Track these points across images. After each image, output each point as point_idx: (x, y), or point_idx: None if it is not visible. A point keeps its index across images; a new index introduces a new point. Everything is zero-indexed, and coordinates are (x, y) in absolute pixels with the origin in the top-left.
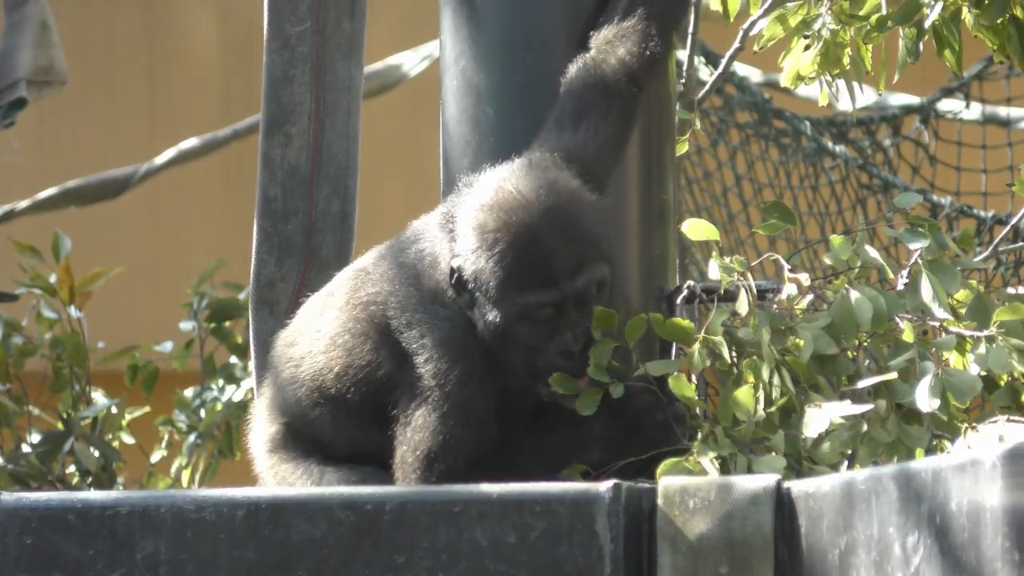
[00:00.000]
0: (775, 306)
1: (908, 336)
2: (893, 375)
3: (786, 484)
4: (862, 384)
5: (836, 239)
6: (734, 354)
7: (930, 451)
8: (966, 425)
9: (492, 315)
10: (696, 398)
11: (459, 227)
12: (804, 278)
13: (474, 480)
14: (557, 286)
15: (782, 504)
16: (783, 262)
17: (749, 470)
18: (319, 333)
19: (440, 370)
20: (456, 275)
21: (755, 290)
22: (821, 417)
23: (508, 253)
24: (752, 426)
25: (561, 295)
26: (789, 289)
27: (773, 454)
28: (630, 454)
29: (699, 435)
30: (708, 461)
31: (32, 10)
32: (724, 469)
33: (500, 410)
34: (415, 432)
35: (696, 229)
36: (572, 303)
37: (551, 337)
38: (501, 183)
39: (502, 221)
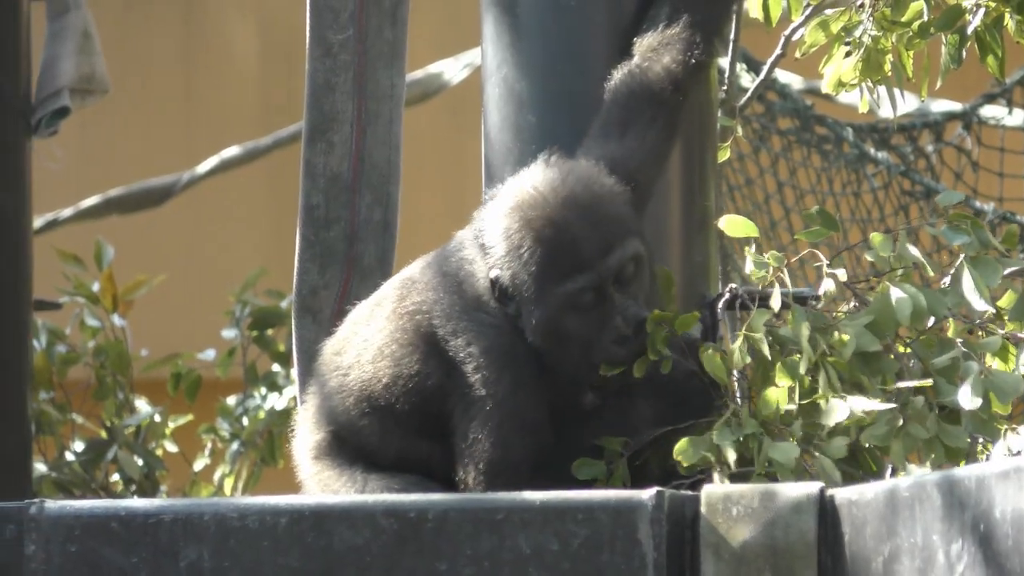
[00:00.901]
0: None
1: (952, 332)
2: (929, 381)
3: (829, 491)
4: (901, 384)
5: (876, 236)
6: (776, 350)
7: (970, 453)
8: (1005, 428)
9: (538, 315)
10: (725, 371)
11: (487, 238)
12: (841, 273)
13: (539, 485)
14: (592, 268)
15: (825, 511)
16: (820, 256)
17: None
18: (367, 343)
19: (489, 379)
20: (497, 286)
21: (790, 285)
22: (841, 408)
23: (536, 249)
24: (782, 415)
25: (598, 276)
26: (827, 285)
27: (792, 441)
28: (675, 425)
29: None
30: (727, 443)
31: (74, 19)
32: (744, 451)
33: (552, 412)
34: (475, 444)
35: (734, 225)
36: (612, 284)
37: (602, 326)
38: (518, 186)
39: (524, 220)
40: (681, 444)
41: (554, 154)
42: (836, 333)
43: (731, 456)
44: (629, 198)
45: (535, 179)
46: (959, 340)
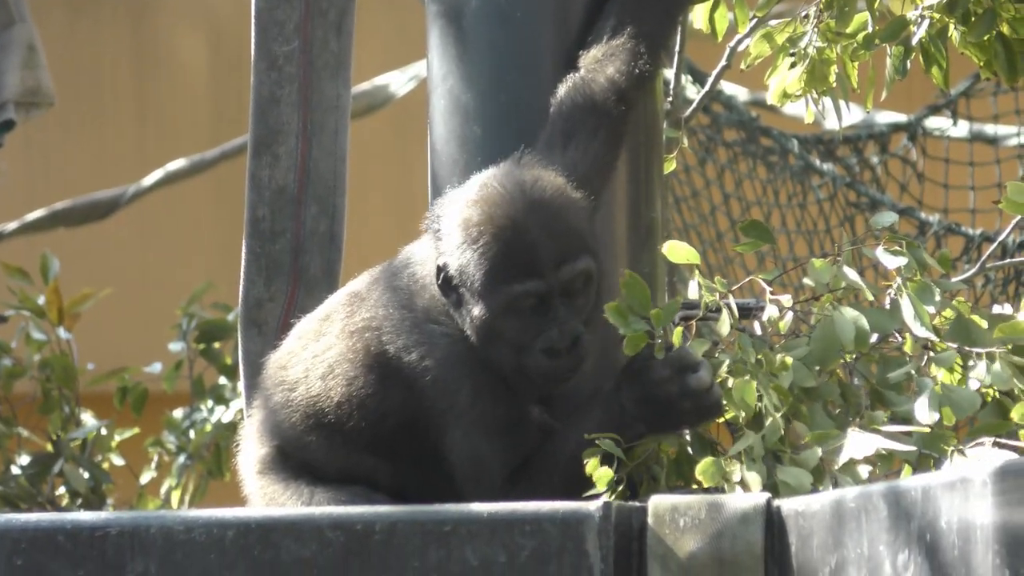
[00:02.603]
0: (759, 325)
1: (908, 348)
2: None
3: (776, 502)
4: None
5: (817, 262)
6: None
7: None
8: (952, 448)
9: (478, 309)
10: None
11: (443, 227)
12: (787, 299)
13: (528, 485)
14: (542, 276)
15: (772, 522)
16: (763, 284)
17: (770, 480)
18: (316, 359)
19: (448, 389)
20: (442, 274)
21: (736, 311)
22: (866, 443)
23: (493, 245)
24: (776, 431)
25: (546, 285)
26: (771, 311)
27: (800, 469)
28: (665, 430)
29: (737, 444)
30: (753, 474)
31: (19, 32)
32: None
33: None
34: (451, 457)
35: (677, 252)
36: (558, 296)
37: (537, 334)
38: (485, 180)
39: (486, 214)
40: (703, 465)
41: (527, 154)
42: (778, 357)
43: (757, 483)
44: (591, 214)
45: (504, 177)
46: (908, 356)
